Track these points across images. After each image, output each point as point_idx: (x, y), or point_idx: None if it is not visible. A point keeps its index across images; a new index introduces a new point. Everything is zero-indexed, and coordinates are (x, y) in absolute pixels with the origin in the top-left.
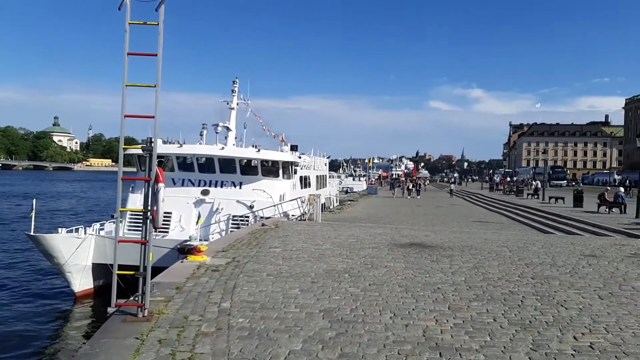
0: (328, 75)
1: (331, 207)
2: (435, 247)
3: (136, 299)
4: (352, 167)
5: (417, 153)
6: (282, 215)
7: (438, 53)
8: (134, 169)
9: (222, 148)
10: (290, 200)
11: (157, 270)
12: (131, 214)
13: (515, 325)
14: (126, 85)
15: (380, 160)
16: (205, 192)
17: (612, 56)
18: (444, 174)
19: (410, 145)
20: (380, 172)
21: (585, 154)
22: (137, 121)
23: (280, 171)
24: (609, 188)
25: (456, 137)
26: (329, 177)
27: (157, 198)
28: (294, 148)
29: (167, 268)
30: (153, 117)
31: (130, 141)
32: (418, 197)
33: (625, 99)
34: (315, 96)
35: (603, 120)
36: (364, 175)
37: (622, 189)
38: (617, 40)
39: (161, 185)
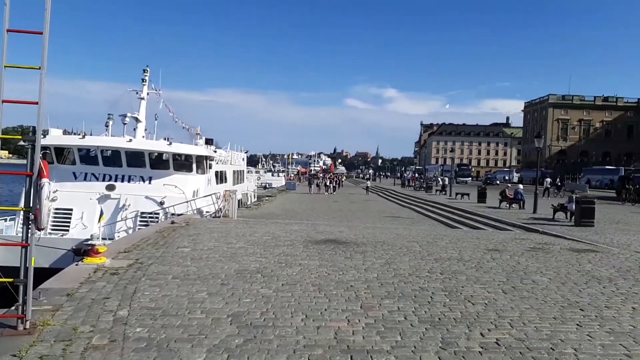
0: (247, 68)
1: (248, 203)
2: (349, 243)
3: (16, 309)
4: (271, 162)
5: (334, 150)
6: (195, 212)
7: (356, 52)
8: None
9: (130, 140)
10: (205, 197)
11: (53, 273)
12: None
13: (426, 323)
14: (5, 66)
15: (300, 156)
16: (110, 187)
17: (513, 62)
18: (359, 171)
19: (329, 141)
20: (299, 167)
21: (488, 152)
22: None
23: (194, 166)
24: (509, 185)
25: (372, 134)
26: (247, 172)
27: (40, 195)
28: (209, 142)
29: (59, 272)
30: (37, 103)
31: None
32: (334, 193)
33: (524, 103)
34: (233, 89)
35: (504, 121)
36: (283, 171)
37: (521, 186)
38: (518, 47)
39: (45, 180)
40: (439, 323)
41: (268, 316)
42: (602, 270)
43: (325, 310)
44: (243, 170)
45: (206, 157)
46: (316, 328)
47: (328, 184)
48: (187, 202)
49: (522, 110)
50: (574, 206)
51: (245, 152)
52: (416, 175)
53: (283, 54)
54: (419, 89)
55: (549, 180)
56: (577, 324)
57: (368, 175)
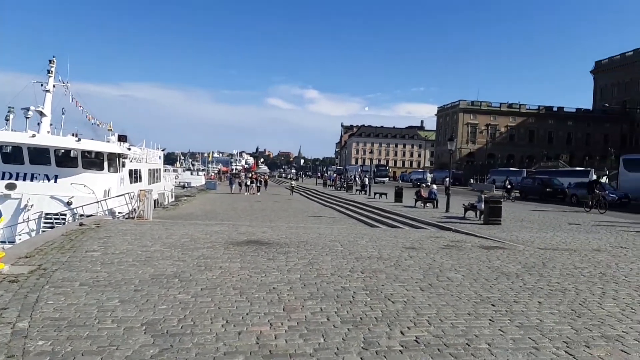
0: (166, 63)
1: (165, 203)
2: (272, 244)
3: None
4: (191, 161)
5: (257, 149)
6: (106, 213)
7: (277, 52)
8: None
9: (33, 135)
10: (117, 196)
11: None
12: None
13: (348, 324)
14: None
15: (221, 154)
16: (10, 186)
17: (427, 69)
18: (282, 170)
19: (251, 140)
20: (220, 166)
21: (404, 154)
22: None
23: (106, 164)
24: (424, 185)
25: (294, 134)
26: (164, 171)
27: None
28: (122, 139)
29: None
30: None
31: None
32: (258, 193)
33: (437, 107)
34: (151, 84)
35: (419, 125)
36: (202, 170)
37: (435, 187)
38: (432, 54)
39: None
40: (361, 323)
41: (186, 323)
42: (510, 267)
43: (247, 314)
44: (160, 169)
45: (119, 155)
46: (237, 333)
47: (249, 183)
48: (97, 202)
49: (436, 115)
50: (483, 205)
51: (162, 150)
52: (340, 175)
53: (203, 50)
54: (339, 91)
55: (447, 180)
56: (490, 319)
57: (292, 175)
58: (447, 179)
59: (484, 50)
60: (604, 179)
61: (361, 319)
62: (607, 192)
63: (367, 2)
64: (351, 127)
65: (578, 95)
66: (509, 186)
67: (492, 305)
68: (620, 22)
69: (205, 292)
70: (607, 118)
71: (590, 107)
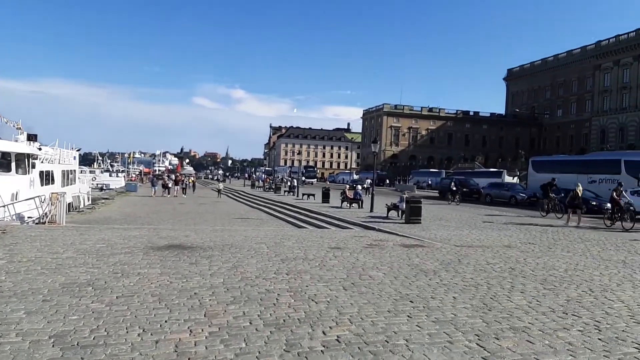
0: (85, 59)
1: (81, 206)
2: (195, 248)
3: None
4: (110, 161)
5: (182, 149)
6: (14, 218)
7: (202, 51)
8: None
9: None
10: (26, 200)
11: None
12: None
13: (270, 326)
14: None
15: (143, 155)
16: None
17: (353, 72)
18: (209, 171)
19: (175, 140)
20: (141, 167)
21: (331, 155)
22: None
23: (13, 165)
24: (347, 185)
25: (221, 134)
26: (80, 172)
27: None
28: (32, 138)
29: None
30: None
31: None
32: (184, 195)
33: (363, 110)
34: (67, 80)
35: (346, 127)
36: (122, 171)
37: (359, 187)
38: (358, 58)
39: None
40: (284, 325)
41: (99, 334)
42: (428, 264)
43: (166, 322)
44: (74, 170)
45: (28, 155)
46: (154, 342)
47: (171, 185)
48: (3, 206)
49: (361, 117)
50: (404, 205)
51: (78, 150)
52: (270, 176)
53: (124, 46)
54: (267, 92)
55: (368, 181)
56: (408, 316)
57: (219, 177)
58: (368, 180)
59: (407, 56)
60: (515, 179)
61: (284, 321)
62: (562, 194)
63: (294, 4)
64: (280, 128)
65: (493, 100)
66: (454, 188)
67: (410, 302)
68: (531, 32)
69: (121, 300)
70: (518, 122)
71: (504, 112)
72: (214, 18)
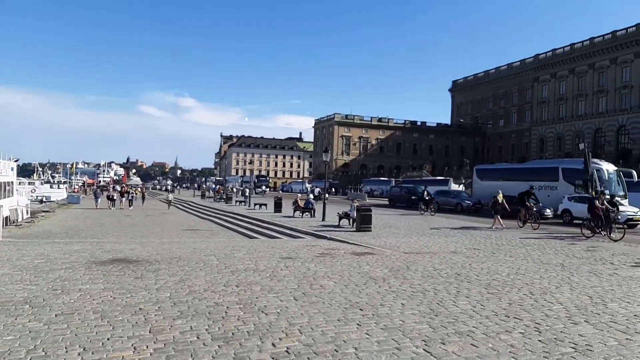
0: (24, 65)
1: (19, 220)
2: (140, 262)
3: None
4: (50, 172)
5: (128, 159)
6: None
7: (149, 58)
8: None
9: None
10: None
11: None
12: None
13: (219, 340)
14: None
15: (86, 165)
16: None
17: (304, 81)
18: (157, 181)
19: (121, 150)
20: (85, 178)
21: (284, 164)
22: None
23: None
24: (299, 195)
25: (170, 144)
26: (18, 184)
27: None
28: None
29: None
30: None
31: None
32: (130, 207)
33: (315, 120)
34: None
35: (298, 136)
36: (64, 182)
37: (312, 196)
38: (307, 68)
39: None
40: (232, 338)
41: (36, 354)
42: (378, 271)
43: (108, 339)
44: (12, 182)
45: None
46: None
47: (116, 196)
48: None
49: (313, 127)
50: (355, 213)
51: (15, 161)
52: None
53: (66, 52)
54: (218, 100)
55: (317, 190)
56: (357, 324)
57: (169, 187)
58: (317, 189)
59: (357, 67)
60: (460, 187)
61: (233, 334)
62: (540, 204)
63: (245, 13)
64: (231, 137)
65: (441, 111)
66: (427, 197)
67: (360, 309)
68: (476, 45)
69: (61, 318)
70: (463, 132)
71: (449, 122)
72: (161, 24)
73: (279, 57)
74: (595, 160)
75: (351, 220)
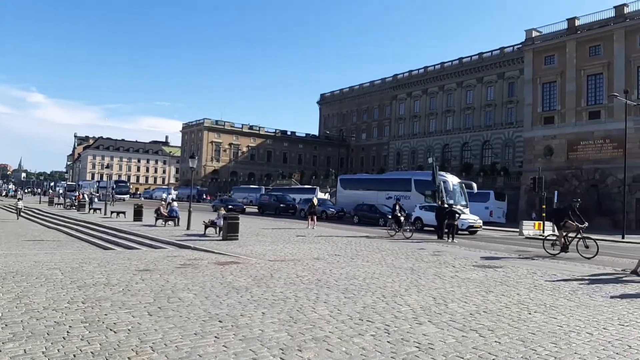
0: None
1: None
2: None
3: None
4: None
5: None
6: None
7: None
8: None
9: None
10: None
11: None
12: None
13: None
14: None
15: None
16: None
17: (172, 83)
18: None
19: None
20: None
21: (147, 169)
22: None
23: None
24: (163, 202)
25: (13, 143)
26: None
27: None
28: None
29: None
30: None
31: None
32: None
33: (183, 124)
34: None
35: (164, 140)
36: None
37: (175, 204)
38: (176, 70)
39: None
40: (74, 359)
41: None
42: (241, 280)
43: None
44: None
45: None
46: None
47: None
48: None
49: (181, 131)
50: (222, 222)
51: None
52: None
53: None
54: (72, 97)
55: (172, 195)
56: (215, 336)
57: (19, 193)
58: (170, 196)
59: (230, 74)
60: (326, 195)
61: (75, 355)
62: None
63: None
64: (87, 138)
65: (311, 122)
66: (399, 214)
67: (219, 321)
68: (341, 63)
69: None
70: (330, 143)
71: (317, 133)
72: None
73: (145, 53)
74: (442, 172)
75: (218, 229)
